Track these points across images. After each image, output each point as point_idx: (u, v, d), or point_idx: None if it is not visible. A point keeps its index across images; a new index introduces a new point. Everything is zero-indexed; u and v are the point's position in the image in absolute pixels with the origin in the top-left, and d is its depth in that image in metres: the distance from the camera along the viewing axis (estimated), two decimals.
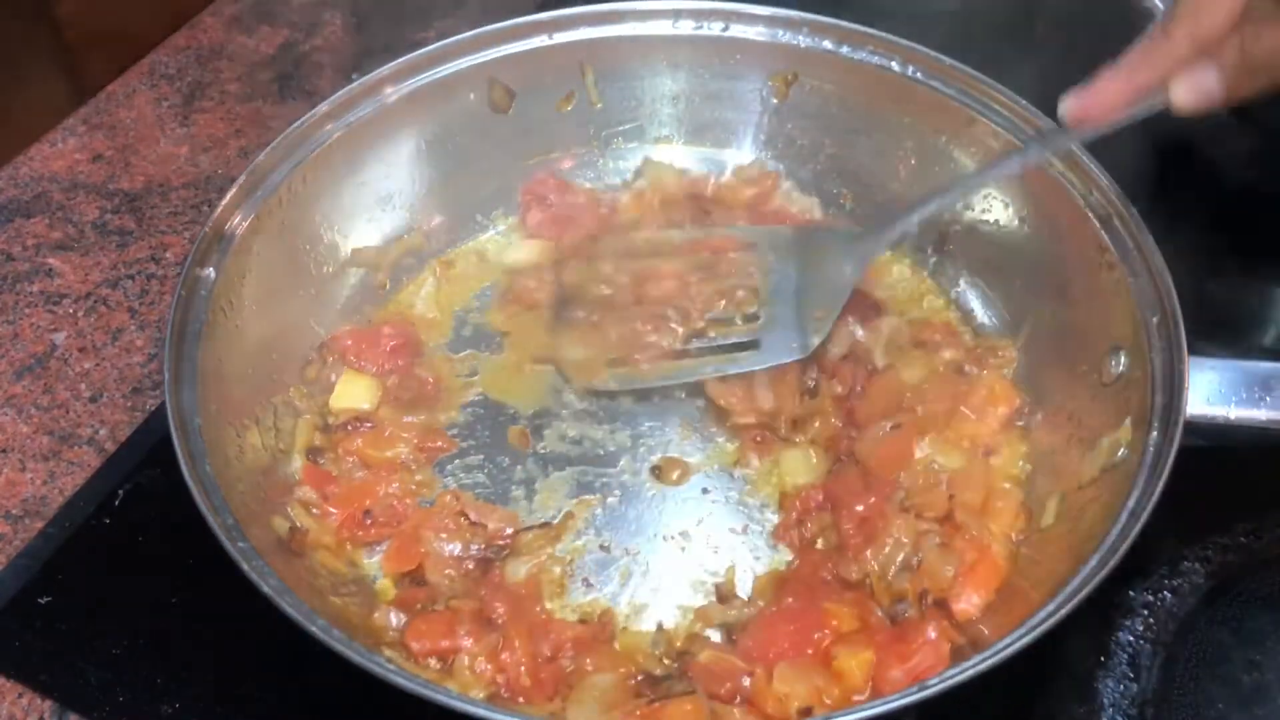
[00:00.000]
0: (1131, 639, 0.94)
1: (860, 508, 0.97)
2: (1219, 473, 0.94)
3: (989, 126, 1.11)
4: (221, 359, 0.97)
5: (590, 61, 1.21)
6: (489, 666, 0.89)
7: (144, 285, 1.24)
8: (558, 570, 0.99)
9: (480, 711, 0.75)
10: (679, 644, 0.93)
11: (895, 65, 1.16)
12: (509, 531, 1.00)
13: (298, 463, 1.03)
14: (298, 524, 0.96)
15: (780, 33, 1.19)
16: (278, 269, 1.07)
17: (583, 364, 1.11)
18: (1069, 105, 0.91)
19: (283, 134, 1.07)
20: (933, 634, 0.88)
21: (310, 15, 1.56)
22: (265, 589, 0.80)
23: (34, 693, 0.93)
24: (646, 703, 0.86)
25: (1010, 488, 1.00)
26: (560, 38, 1.19)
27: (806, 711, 0.85)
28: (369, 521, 1.00)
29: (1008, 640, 0.78)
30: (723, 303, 1.11)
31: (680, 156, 1.27)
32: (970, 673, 0.76)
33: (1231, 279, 1.20)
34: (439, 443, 1.07)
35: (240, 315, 1.01)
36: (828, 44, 1.18)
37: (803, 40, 1.19)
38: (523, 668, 0.89)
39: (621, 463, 1.06)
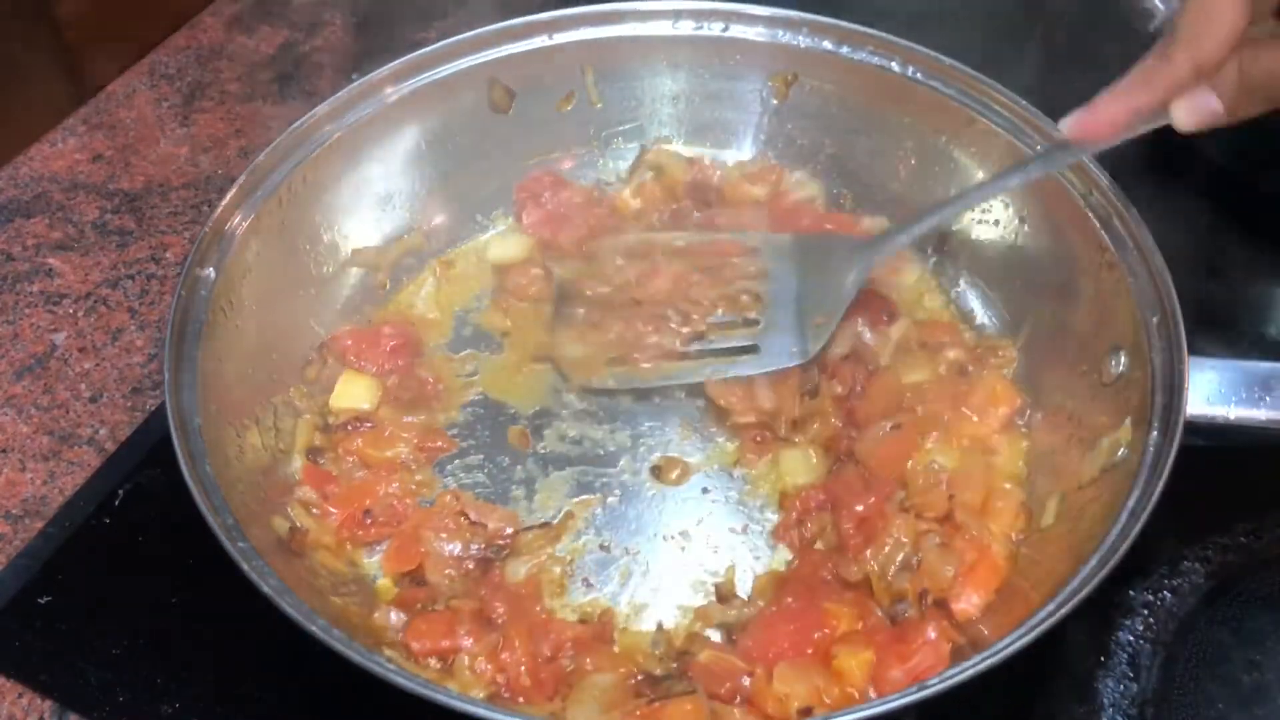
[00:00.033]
0: (1131, 639, 0.94)
1: (860, 508, 0.97)
2: (1219, 473, 0.94)
3: (989, 126, 1.11)
4: (221, 359, 0.97)
5: (590, 61, 1.21)
6: (489, 666, 0.89)
7: (144, 285, 1.24)
8: (558, 570, 0.99)
9: (480, 711, 0.75)
10: (679, 644, 0.93)
11: (895, 65, 1.16)
12: (509, 531, 1.00)
13: (298, 463, 1.03)
14: (298, 524, 0.96)
15: (780, 33, 1.19)
16: (278, 269, 1.07)
17: (582, 362, 1.11)
18: (1069, 126, 0.91)
19: (283, 134, 1.08)
20: (933, 634, 0.88)
21: (310, 15, 1.56)
22: (265, 589, 0.80)
23: (34, 693, 0.93)
24: (646, 703, 0.86)
25: (1010, 488, 1.00)
26: (560, 38, 1.19)
27: (806, 711, 0.85)
28: (369, 521, 1.00)
29: (1008, 640, 0.78)
30: (723, 306, 1.11)
31: None
32: (970, 673, 0.76)
33: (1231, 279, 1.21)
34: (439, 443, 1.07)
35: (240, 315, 1.01)
36: (828, 44, 1.18)
37: (803, 40, 1.19)
38: (523, 668, 0.89)
39: (621, 463, 1.06)
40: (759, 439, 1.06)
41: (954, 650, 0.88)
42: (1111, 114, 0.89)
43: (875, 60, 1.16)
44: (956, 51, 1.13)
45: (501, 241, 1.22)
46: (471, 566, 0.98)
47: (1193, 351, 0.90)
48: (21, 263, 1.26)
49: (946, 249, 1.18)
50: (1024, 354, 1.09)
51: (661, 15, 1.20)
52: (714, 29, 1.20)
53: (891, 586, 0.93)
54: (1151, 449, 0.87)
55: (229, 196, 1.02)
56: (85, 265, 1.26)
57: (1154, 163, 1.09)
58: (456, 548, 0.98)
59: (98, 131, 1.40)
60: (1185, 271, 0.96)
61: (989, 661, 0.77)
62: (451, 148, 1.20)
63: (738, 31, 1.20)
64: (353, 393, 1.08)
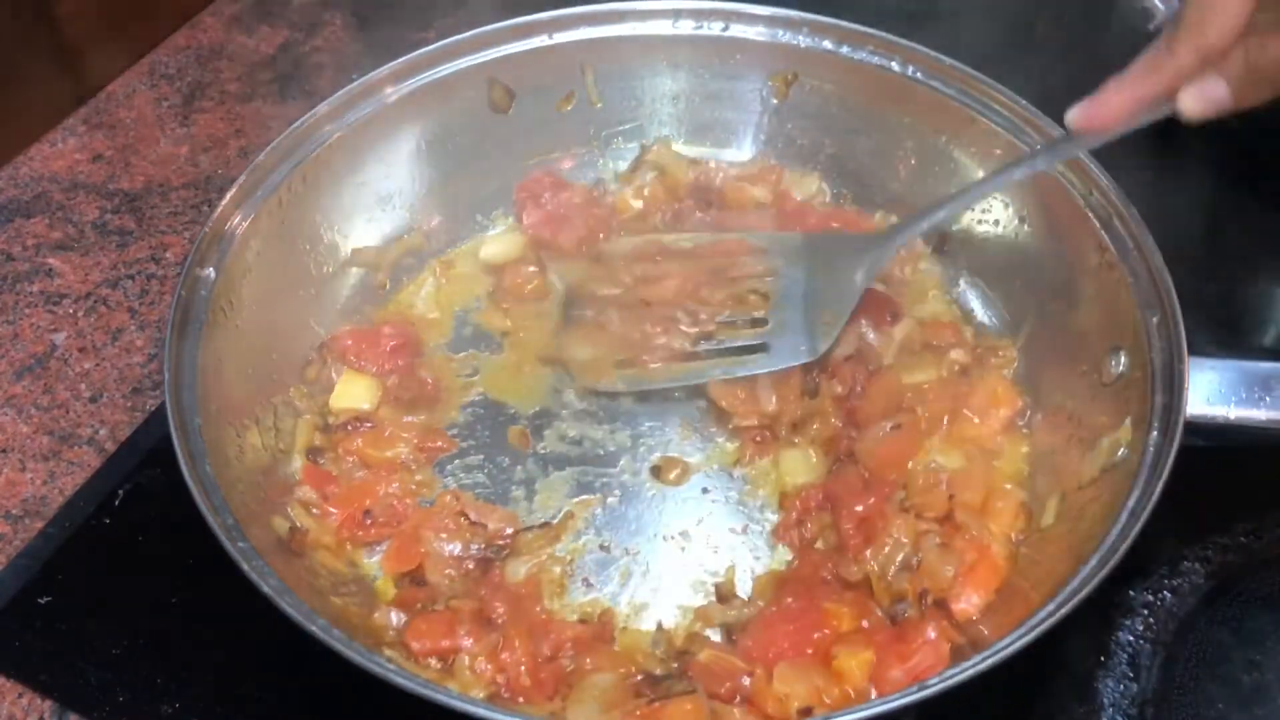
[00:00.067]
0: (1131, 639, 0.94)
1: (860, 508, 0.97)
2: (1219, 473, 0.94)
3: (989, 126, 1.11)
4: (221, 359, 0.97)
5: (590, 61, 1.21)
6: (489, 666, 0.89)
7: (144, 285, 1.24)
8: (558, 570, 0.99)
9: (480, 711, 0.75)
10: (679, 644, 0.93)
11: (895, 65, 1.16)
12: (509, 531, 1.00)
13: (298, 463, 1.03)
14: (298, 524, 0.96)
15: (780, 33, 1.19)
16: (278, 269, 1.07)
17: (590, 364, 1.11)
18: (1074, 115, 0.91)
19: (283, 134, 1.08)
20: (932, 634, 0.88)
21: (310, 15, 1.56)
22: (265, 589, 0.80)
23: (34, 693, 0.93)
24: (646, 702, 0.86)
25: (1010, 488, 1.00)
26: (560, 38, 1.19)
27: (806, 711, 0.85)
28: (369, 521, 1.00)
29: (1008, 640, 0.78)
30: (732, 305, 1.11)
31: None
32: (970, 673, 0.77)
33: (1231, 279, 1.20)
34: (439, 443, 1.07)
35: (240, 315, 1.01)
36: (828, 44, 1.18)
37: (803, 40, 1.19)
38: (523, 668, 0.89)
39: (621, 463, 1.06)
40: (759, 439, 1.06)
41: (954, 650, 0.88)
42: (1117, 103, 0.89)
43: (875, 60, 1.16)
44: (956, 51, 1.13)
45: (493, 242, 1.22)
46: (471, 567, 0.98)
47: (1193, 351, 0.90)
48: (21, 263, 1.26)
49: (946, 249, 1.18)
50: (1024, 354, 1.09)
51: (661, 15, 1.20)
52: (714, 28, 1.20)
53: (891, 586, 0.93)
54: (1151, 449, 0.87)
55: (229, 196, 1.02)
56: (85, 265, 1.26)
57: (1154, 163, 1.09)
58: (456, 548, 0.98)
59: (98, 131, 1.40)
60: (1185, 271, 0.96)
61: (989, 661, 0.77)
62: (451, 148, 1.20)
63: (738, 31, 1.20)
64: (353, 393, 1.08)
